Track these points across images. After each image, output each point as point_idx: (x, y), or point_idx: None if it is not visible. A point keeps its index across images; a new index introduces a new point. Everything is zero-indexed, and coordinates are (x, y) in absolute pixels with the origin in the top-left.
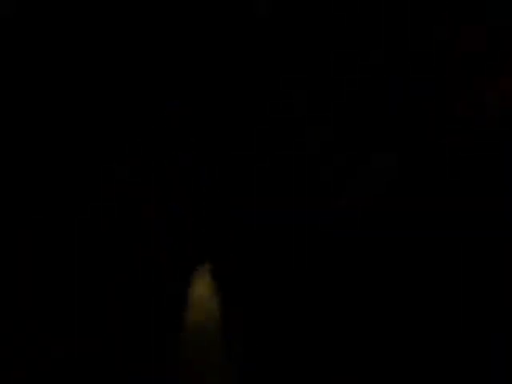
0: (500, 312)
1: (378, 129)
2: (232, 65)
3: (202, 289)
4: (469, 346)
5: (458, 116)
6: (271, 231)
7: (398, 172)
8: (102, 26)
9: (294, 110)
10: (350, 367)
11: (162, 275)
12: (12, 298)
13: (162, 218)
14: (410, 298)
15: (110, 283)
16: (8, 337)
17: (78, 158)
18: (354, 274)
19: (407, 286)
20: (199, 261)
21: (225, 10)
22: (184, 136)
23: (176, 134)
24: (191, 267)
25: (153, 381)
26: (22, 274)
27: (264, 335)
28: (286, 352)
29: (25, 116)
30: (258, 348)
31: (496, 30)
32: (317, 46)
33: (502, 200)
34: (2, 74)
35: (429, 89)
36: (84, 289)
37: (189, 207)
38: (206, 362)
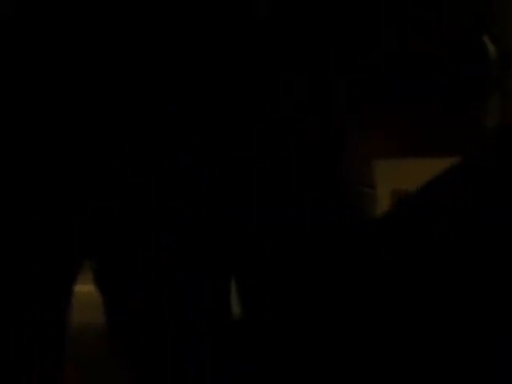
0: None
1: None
2: (232, 64)
3: None
4: (470, 346)
5: None
6: (271, 231)
7: None
8: (102, 26)
9: (294, 109)
10: (350, 367)
11: (162, 275)
12: (12, 298)
13: (162, 217)
14: (411, 299)
15: (110, 283)
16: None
17: (78, 158)
18: (354, 273)
19: (407, 286)
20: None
21: (225, 9)
22: (184, 136)
23: (176, 134)
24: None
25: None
26: (22, 274)
27: (264, 335)
28: (286, 352)
29: (24, 116)
30: (257, 347)
31: None
32: (317, 45)
33: None
34: (2, 74)
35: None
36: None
37: (189, 207)
38: None
